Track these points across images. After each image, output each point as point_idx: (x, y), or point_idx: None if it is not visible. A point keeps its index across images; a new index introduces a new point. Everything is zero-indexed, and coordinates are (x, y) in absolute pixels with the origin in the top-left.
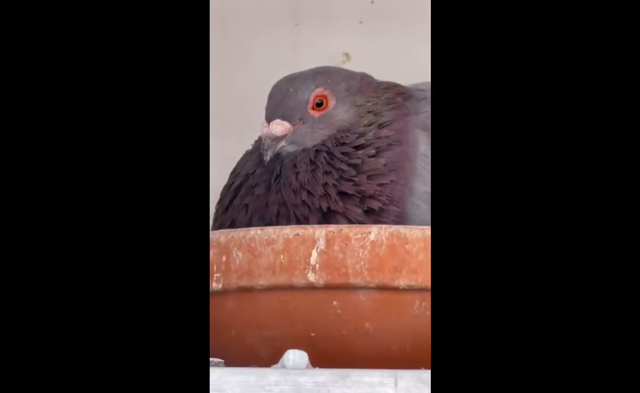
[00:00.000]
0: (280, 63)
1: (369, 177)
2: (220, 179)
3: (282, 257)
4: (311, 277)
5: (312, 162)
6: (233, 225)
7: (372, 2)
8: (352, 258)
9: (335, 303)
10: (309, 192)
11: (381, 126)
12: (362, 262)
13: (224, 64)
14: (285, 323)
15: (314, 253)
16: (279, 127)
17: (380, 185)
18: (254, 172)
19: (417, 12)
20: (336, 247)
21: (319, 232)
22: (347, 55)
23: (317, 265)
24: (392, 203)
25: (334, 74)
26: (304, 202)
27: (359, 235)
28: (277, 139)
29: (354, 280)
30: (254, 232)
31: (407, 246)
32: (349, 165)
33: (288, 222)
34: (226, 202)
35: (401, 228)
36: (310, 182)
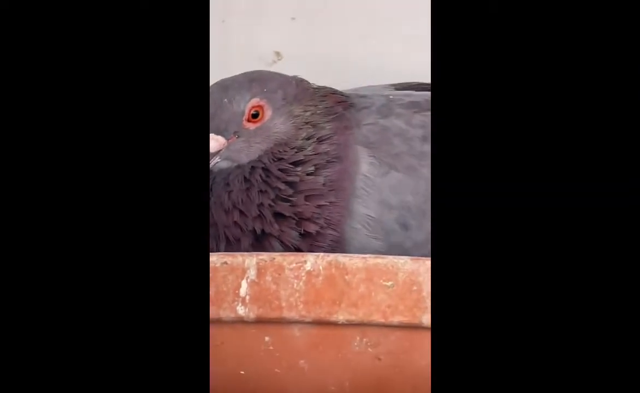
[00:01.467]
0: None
1: (306, 198)
2: None
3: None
4: (241, 310)
5: (246, 180)
6: None
7: None
8: (286, 290)
9: (267, 339)
10: (241, 212)
11: (320, 140)
12: (297, 294)
13: None
14: (212, 360)
15: (244, 284)
16: (213, 142)
17: (319, 206)
18: None
19: (357, 5)
20: (268, 277)
21: (249, 261)
22: (278, 54)
23: (248, 297)
24: (330, 226)
25: (269, 80)
26: (235, 222)
27: (294, 265)
28: (211, 156)
29: (288, 314)
30: None
31: (346, 277)
32: (286, 183)
33: (217, 244)
34: None
35: (340, 257)
36: (245, 202)
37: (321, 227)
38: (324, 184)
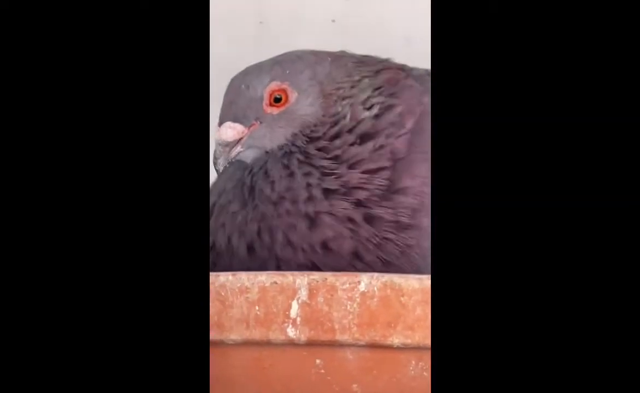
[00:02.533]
0: (240, 65)
1: (350, 166)
2: None
3: (257, 308)
4: (291, 332)
5: (285, 166)
6: (214, 248)
7: None
8: (339, 312)
9: (318, 362)
10: (292, 200)
11: (363, 104)
12: (351, 316)
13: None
14: (260, 384)
15: (295, 305)
16: (230, 131)
17: (366, 172)
18: (224, 188)
19: (401, 6)
20: (320, 298)
21: (301, 280)
22: None
23: (298, 319)
24: (390, 191)
25: (295, 61)
26: (288, 211)
27: (347, 285)
28: (230, 145)
29: (340, 337)
30: (225, 278)
31: (402, 298)
32: (329, 158)
33: (272, 238)
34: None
35: (395, 278)
36: (292, 188)
37: (373, 195)
38: (373, 150)
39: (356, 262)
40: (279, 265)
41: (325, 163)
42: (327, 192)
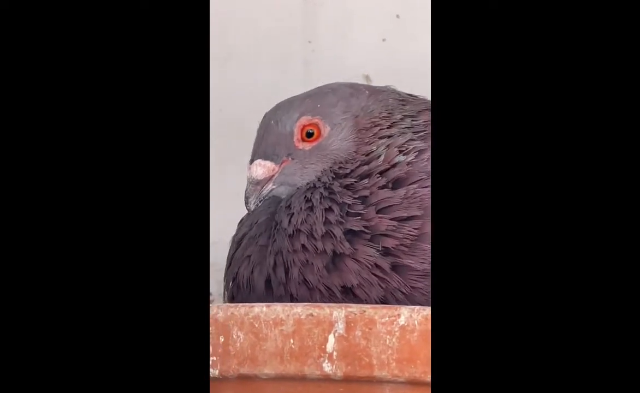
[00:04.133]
0: (288, 88)
1: (379, 211)
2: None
3: (292, 341)
4: (327, 367)
5: (307, 200)
6: (235, 280)
7: (397, 16)
8: (378, 346)
9: None
10: (308, 234)
11: (400, 150)
12: (390, 351)
13: (224, 83)
14: None
15: (331, 339)
16: (260, 168)
17: (396, 219)
18: (257, 221)
19: None
20: (358, 332)
21: (338, 313)
22: (367, 78)
23: (335, 353)
24: (420, 240)
25: (328, 94)
26: (304, 246)
27: (387, 318)
28: (261, 183)
29: (379, 373)
30: (259, 309)
31: None
32: (354, 198)
33: (287, 273)
34: (230, 255)
35: None
36: (307, 222)
37: (402, 244)
38: (404, 197)
39: None
40: None
41: (350, 201)
42: (351, 234)
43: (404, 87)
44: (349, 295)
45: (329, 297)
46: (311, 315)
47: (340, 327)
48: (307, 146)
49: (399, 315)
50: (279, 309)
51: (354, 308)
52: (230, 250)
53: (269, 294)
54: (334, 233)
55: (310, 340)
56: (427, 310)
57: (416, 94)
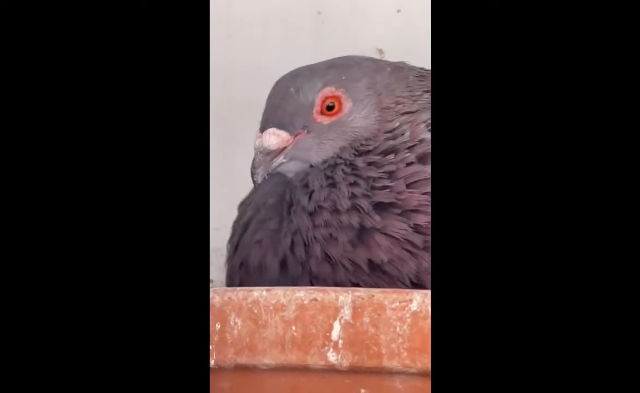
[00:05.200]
0: (296, 61)
1: (409, 185)
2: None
3: (294, 328)
4: (332, 356)
5: (328, 177)
6: (244, 265)
7: None
8: (387, 334)
9: (363, 391)
10: (332, 210)
11: (422, 124)
12: (401, 340)
13: (230, 56)
14: None
15: (337, 326)
16: (274, 138)
17: (428, 194)
18: (265, 203)
19: None
20: (366, 318)
21: (344, 298)
22: (380, 51)
23: (341, 342)
24: None
25: (352, 67)
26: (326, 223)
27: (397, 304)
28: (272, 154)
29: (389, 363)
30: (258, 293)
31: None
32: (381, 172)
33: (307, 252)
34: (236, 240)
35: None
36: (332, 198)
37: None
38: None
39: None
40: (312, 283)
41: (376, 175)
42: (379, 208)
43: (420, 63)
44: (377, 271)
45: (354, 272)
46: (315, 299)
47: (346, 312)
48: (325, 120)
49: (410, 300)
50: (280, 293)
51: (362, 292)
52: (233, 235)
53: (284, 276)
54: (360, 206)
55: (313, 327)
56: None
57: None
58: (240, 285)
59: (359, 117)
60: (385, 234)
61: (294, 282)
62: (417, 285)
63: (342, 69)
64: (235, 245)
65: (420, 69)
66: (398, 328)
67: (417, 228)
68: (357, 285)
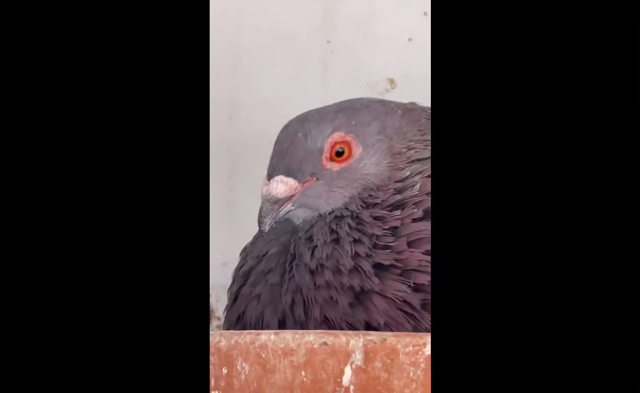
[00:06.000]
0: (305, 91)
1: (410, 244)
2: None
3: (303, 373)
4: None
5: (332, 231)
6: (241, 319)
7: (425, 13)
8: (401, 380)
9: None
10: (334, 270)
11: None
12: (415, 385)
13: (237, 86)
14: None
15: (348, 371)
16: (282, 185)
17: (428, 253)
18: (267, 253)
19: None
20: (378, 363)
21: (355, 342)
22: (392, 81)
23: (352, 388)
24: None
25: (362, 110)
26: (328, 283)
27: (410, 348)
28: (279, 202)
29: None
30: (266, 337)
31: None
32: (386, 230)
33: (307, 315)
34: (235, 290)
35: None
36: (334, 257)
37: None
38: None
39: None
40: None
41: (380, 232)
42: (379, 268)
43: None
44: None
45: None
46: (325, 343)
47: (358, 357)
48: (335, 166)
49: (424, 344)
50: (289, 337)
51: (374, 336)
52: (233, 284)
53: None
54: (362, 268)
55: (324, 373)
56: None
57: None
58: None
59: (369, 164)
60: (383, 296)
61: None
62: None
63: (351, 112)
64: (235, 296)
65: (430, 109)
66: (412, 374)
67: (416, 288)
68: None
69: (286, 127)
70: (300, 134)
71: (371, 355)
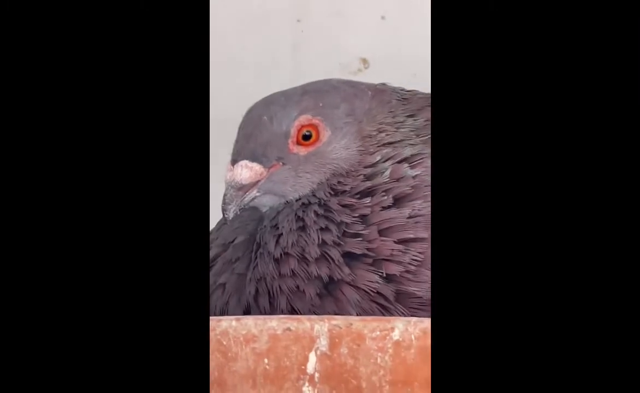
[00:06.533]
0: (274, 73)
1: (381, 232)
2: None
3: (266, 361)
4: (308, 391)
5: (298, 218)
6: None
7: None
8: (368, 366)
9: None
10: (299, 258)
11: (406, 162)
12: (382, 372)
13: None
14: None
15: (312, 357)
16: (246, 171)
17: (401, 242)
18: (234, 240)
19: None
20: (344, 349)
21: (320, 327)
22: (364, 61)
23: (317, 375)
24: (424, 266)
25: (330, 92)
26: (293, 272)
27: (378, 333)
28: (244, 188)
29: None
30: (227, 323)
31: None
32: (355, 217)
33: (272, 305)
34: None
35: None
36: (299, 244)
37: (407, 270)
38: (409, 217)
39: None
40: None
41: (349, 220)
42: (349, 256)
43: (406, 73)
44: None
45: None
46: (288, 329)
47: (322, 343)
48: (302, 150)
49: (392, 328)
50: (251, 323)
51: (339, 320)
52: None
53: None
54: (330, 256)
55: (287, 360)
56: (425, 322)
57: (419, 80)
58: None
59: (338, 147)
60: (355, 286)
61: None
62: None
63: (319, 94)
64: None
65: (401, 90)
66: (379, 360)
67: (388, 278)
68: None
69: (250, 111)
70: (265, 117)
71: (337, 340)
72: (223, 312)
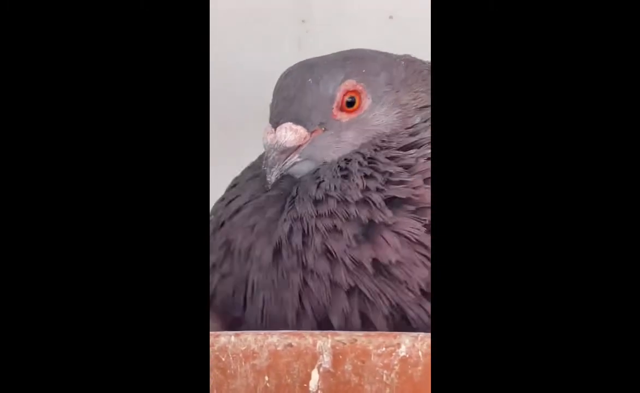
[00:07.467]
0: (279, 73)
1: (427, 180)
2: None
3: (267, 378)
4: None
5: (342, 169)
6: (228, 246)
7: None
8: (373, 384)
9: None
10: (339, 200)
11: None
12: (388, 390)
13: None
14: None
15: (315, 375)
16: (291, 133)
17: None
18: (266, 192)
19: None
20: (348, 366)
21: (323, 343)
22: None
23: None
24: None
25: (369, 60)
26: (331, 212)
27: (383, 349)
28: (287, 151)
29: None
30: (226, 339)
31: None
32: (399, 166)
33: (305, 245)
34: (223, 218)
35: None
36: (342, 188)
37: None
38: None
39: (423, 301)
40: (305, 280)
41: (393, 169)
42: (392, 203)
43: None
44: (382, 274)
45: (356, 273)
46: (290, 345)
47: (325, 359)
48: (344, 117)
49: (398, 344)
50: (250, 339)
51: (343, 336)
52: (219, 215)
53: (274, 268)
54: (372, 200)
55: (289, 377)
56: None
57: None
58: (213, 266)
59: (379, 114)
60: (396, 232)
61: (285, 275)
62: (426, 294)
63: (361, 61)
64: (221, 223)
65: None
66: (385, 377)
67: (428, 229)
68: (355, 288)
69: (289, 73)
70: (310, 79)
71: (340, 357)
72: (249, 251)
